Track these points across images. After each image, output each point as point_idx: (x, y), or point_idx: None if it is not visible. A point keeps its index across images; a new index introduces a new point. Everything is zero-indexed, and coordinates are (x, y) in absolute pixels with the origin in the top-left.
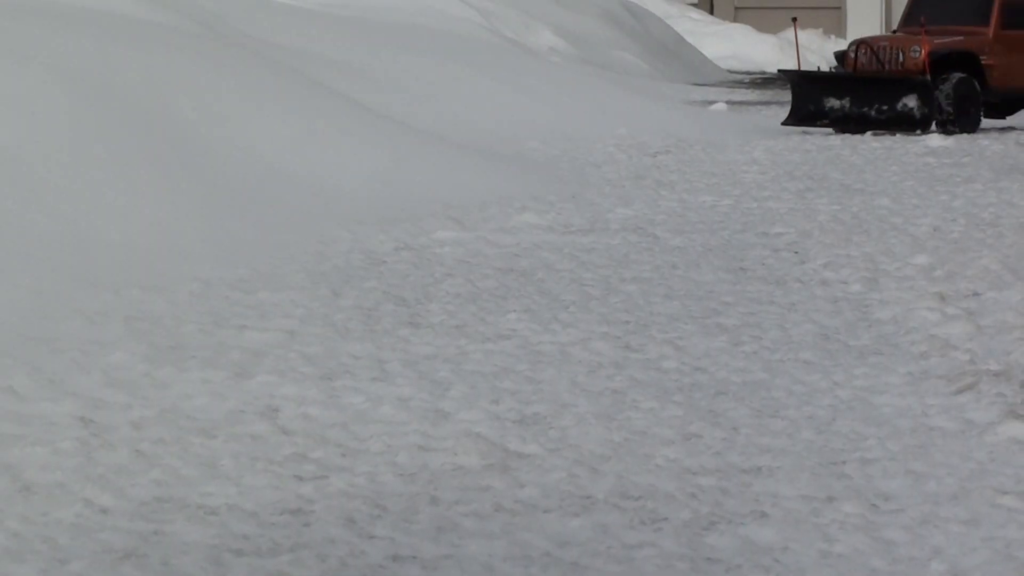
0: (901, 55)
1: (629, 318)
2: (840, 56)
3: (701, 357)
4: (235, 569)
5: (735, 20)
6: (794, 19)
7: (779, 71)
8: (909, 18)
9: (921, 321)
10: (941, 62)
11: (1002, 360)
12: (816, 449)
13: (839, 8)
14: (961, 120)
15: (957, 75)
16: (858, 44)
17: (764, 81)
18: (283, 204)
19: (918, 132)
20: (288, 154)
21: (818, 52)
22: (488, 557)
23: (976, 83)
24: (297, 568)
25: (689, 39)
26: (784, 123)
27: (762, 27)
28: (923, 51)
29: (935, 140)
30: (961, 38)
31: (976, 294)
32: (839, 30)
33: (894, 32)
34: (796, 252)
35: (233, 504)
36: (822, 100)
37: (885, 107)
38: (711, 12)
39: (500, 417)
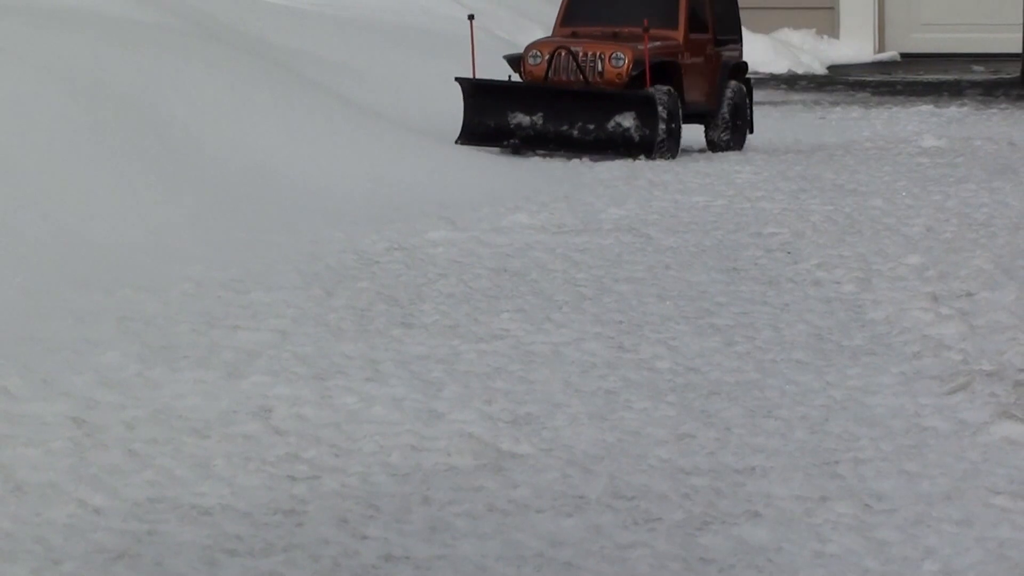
0: (599, 63)
1: (622, 318)
2: (514, 60)
3: (694, 357)
4: (228, 569)
5: None
6: (470, 17)
7: (456, 79)
8: (569, 16)
9: (914, 321)
10: (642, 74)
11: (995, 360)
12: (809, 449)
13: (832, 8)
14: (671, 144)
15: (662, 88)
16: (542, 47)
17: (757, 81)
18: (275, 204)
19: (640, 158)
20: (280, 154)
21: (811, 52)
22: (481, 557)
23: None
24: (290, 568)
25: None
26: (458, 142)
27: (755, 27)
28: (627, 59)
29: (928, 141)
30: (659, 44)
31: (969, 294)
32: (832, 30)
33: (536, 40)
34: (789, 252)
35: (226, 504)
36: (506, 115)
37: (592, 126)
38: None
39: (493, 417)
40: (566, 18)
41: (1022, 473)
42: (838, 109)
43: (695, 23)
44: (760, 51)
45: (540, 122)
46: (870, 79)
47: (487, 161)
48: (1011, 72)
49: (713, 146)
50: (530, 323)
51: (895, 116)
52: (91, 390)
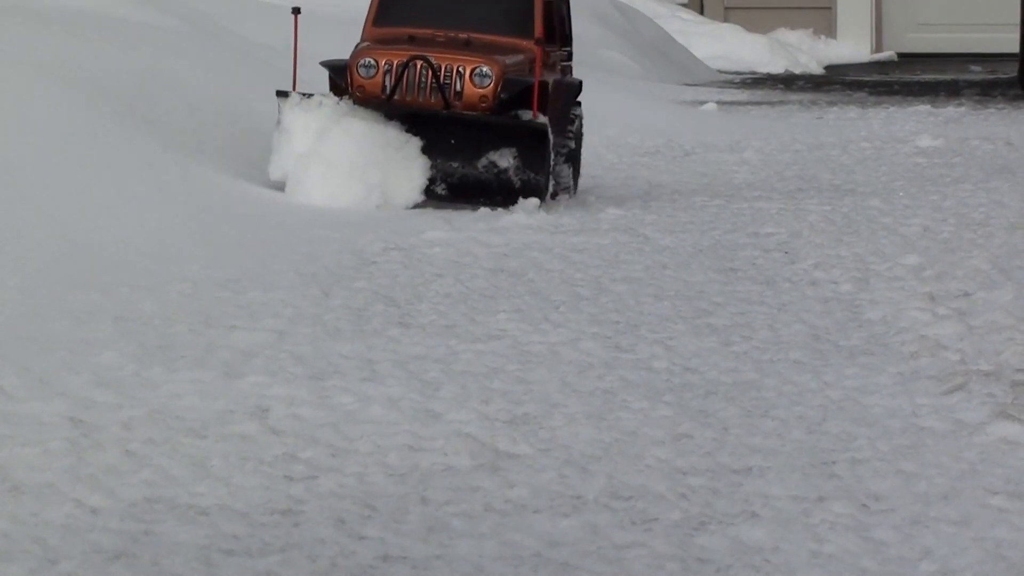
0: (459, 80)
1: (619, 318)
2: (338, 70)
3: (691, 357)
4: (225, 569)
5: (725, 20)
6: (295, 10)
7: (277, 92)
8: (382, 15)
9: (911, 321)
10: (514, 98)
11: (992, 360)
12: (806, 449)
13: (829, 8)
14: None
15: (526, 113)
16: (379, 54)
17: (754, 81)
18: (273, 204)
19: (517, 208)
20: None
21: (808, 52)
22: (478, 557)
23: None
24: (287, 568)
25: (679, 39)
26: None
27: (752, 27)
28: (494, 76)
29: (925, 141)
30: (521, 57)
31: (966, 294)
32: (829, 30)
33: (363, 44)
34: (786, 252)
35: (223, 504)
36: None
37: (455, 164)
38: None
39: (490, 417)
40: (381, 16)
41: (1019, 473)
42: (835, 109)
43: (548, 30)
44: (757, 51)
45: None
46: (867, 79)
47: None
48: (1008, 72)
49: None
50: (527, 323)
51: (892, 116)
52: (88, 390)
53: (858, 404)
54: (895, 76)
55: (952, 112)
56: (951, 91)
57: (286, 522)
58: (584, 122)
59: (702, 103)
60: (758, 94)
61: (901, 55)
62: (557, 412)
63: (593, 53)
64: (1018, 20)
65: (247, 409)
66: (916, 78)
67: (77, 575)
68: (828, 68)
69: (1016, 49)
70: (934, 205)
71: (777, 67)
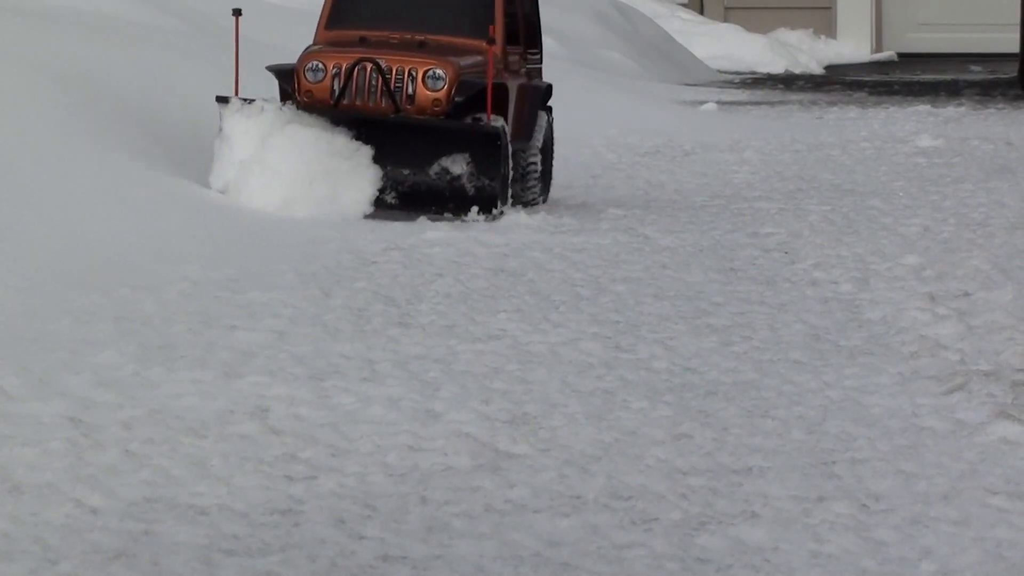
0: (411, 83)
1: (619, 318)
2: (284, 74)
3: (691, 357)
4: (225, 569)
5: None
6: (236, 11)
7: (217, 98)
8: (336, 17)
9: (911, 321)
10: (469, 101)
11: (992, 360)
12: (806, 449)
13: (829, 8)
14: (504, 197)
15: (500, 120)
16: (327, 57)
17: (754, 81)
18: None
19: (482, 216)
20: None
21: (808, 52)
22: (478, 557)
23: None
24: (287, 568)
25: (679, 39)
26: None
27: (752, 27)
28: (447, 78)
29: (925, 140)
30: (478, 58)
31: (966, 294)
32: (829, 30)
33: (314, 47)
34: (786, 252)
35: (223, 504)
36: None
37: (406, 171)
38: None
39: (490, 417)
40: (334, 18)
41: (1019, 473)
42: (835, 109)
43: (510, 31)
44: (757, 51)
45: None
46: (867, 79)
47: None
48: (1008, 72)
49: (515, 197)
50: (527, 323)
51: (892, 116)
52: (88, 390)
53: (858, 404)
54: (895, 76)
55: (952, 112)
56: (951, 91)
57: (286, 522)
58: (555, 128)
59: (702, 103)
60: (758, 94)
61: (901, 55)
62: (557, 412)
63: (593, 53)
64: (1018, 20)
65: (247, 409)
66: (916, 78)
67: (77, 575)
68: (828, 68)
69: (1016, 49)
70: (934, 205)
71: (777, 67)
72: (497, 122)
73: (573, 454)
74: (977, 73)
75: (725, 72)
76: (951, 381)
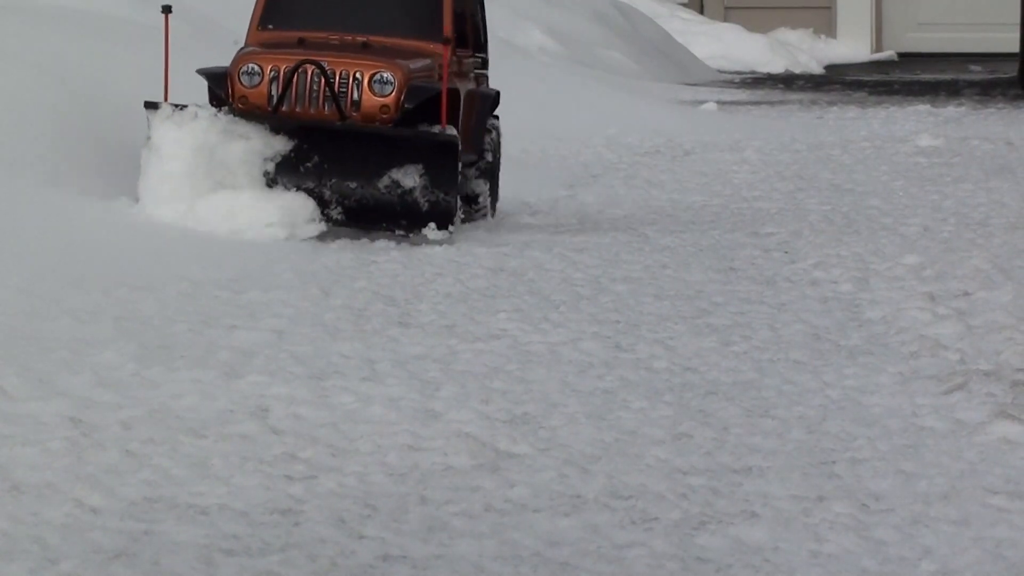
0: (356, 88)
1: (619, 318)
2: (217, 78)
3: (691, 357)
4: (225, 569)
5: (725, 20)
6: (166, 8)
7: (145, 103)
8: (269, 16)
9: (911, 321)
10: (420, 107)
11: (992, 360)
12: (806, 449)
13: (829, 8)
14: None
15: (451, 130)
16: (264, 59)
17: (754, 81)
18: None
19: (430, 230)
20: None
21: (808, 52)
22: (478, 557)
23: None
24: (287, 568)
25: (679, 39)
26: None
27: (752, 27)
28: (396, 82)
29: (924, 140)
30: (428, 62)
31: (966, 294)
32: (829, 30)
33: (247, 48)
34: (786, 252)
35: (223, 504)
36: None
37: (353, 184)
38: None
39: (490, 417)
40: (267, 16)
41: (1019, 473)
42: (835, 109)
43: (459, 32)
44: (757, 51)
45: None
46: (867, 79)
47: None
48: (1008, 72)
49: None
50: (527, 323)
51: (892, 116)
52: (88, 390)
53: (858, 404)
54: (895, 76)
55: (952, 112)
56: (951, 91)
57: (286, 521)
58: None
59: (702, 103)
60: (758, 94)
61: (901, 55)
62: (557, 412)
63: (593, 53)
64: (1018, 20)
65: (247, 409)
66: (916, 78)
67: (77, 575)
68: (828, 68)
69: (1016, 49)
70: (934, 205)
71: (777, 67)
72: (451, 131)
73: (573, 454)
74: (977, 73)
75: (725, 72)
76: (951, 381)
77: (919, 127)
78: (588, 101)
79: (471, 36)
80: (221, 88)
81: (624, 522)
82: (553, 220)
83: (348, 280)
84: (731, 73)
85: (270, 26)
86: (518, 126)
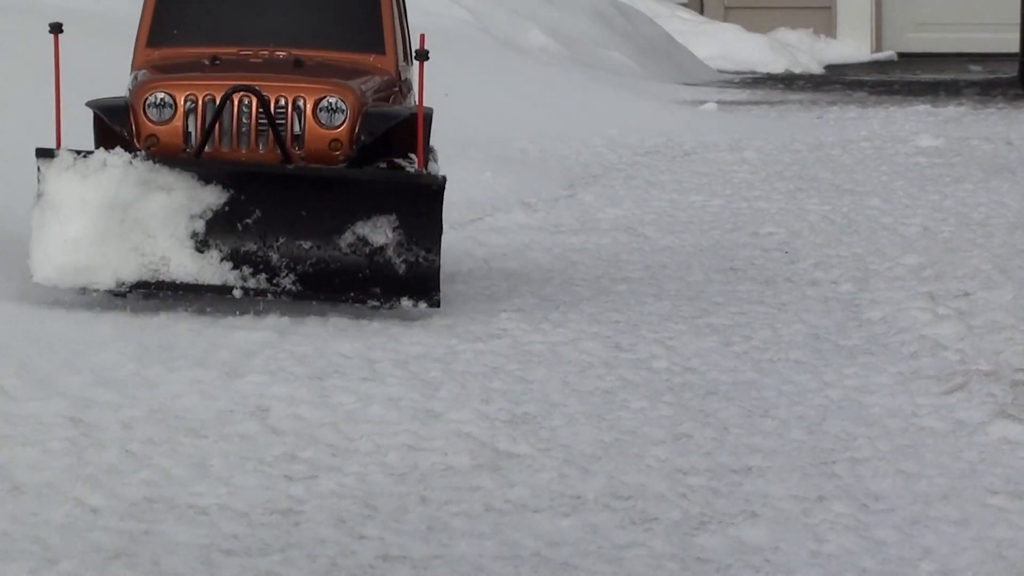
0: (298, 119)
1: (619, 318)
2: (113, 112)
3: (691, 357)
4: (225, 569)
5: (725, 20)
6: (55, 28)
7: (37, 151)
8: (159, 31)
9: (911, 321)
10: (380, 141)
11: (992, 360)
12: (806, 449)
13: (829, 8)
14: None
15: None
16: (176, 87)
17: (754, 81)
18: None
19: (409, 304)
20: None
21: (808, 52)
22: (478, 557)
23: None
24: (287, 568)
25: (679, 39)
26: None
27: (752, 27)
28: (349, 109)
29: (924, 140)
30: (377, 80)
31: (966, 294)
32: (829, 30)
33: (148, 74)
34: (786, 252)
35: (223, 504)
36: None
37: (307, 243)
38: (701, 12)
39: (490, 417)
40: (158, 31)
41: (1019, 473)
42: (835, 109)
43: (403, 43)
44: (757, 51)
45: (201, 234)
46: (867, 79)
47: (483, 161)
48: (1008, 72)
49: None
50: (527, 323)
51: (892, 116)
52: (88, 390)
53: (858, 404)
54: (895, 76)
55: (952, 112)
56: (951, 91)
57: (286, 522)
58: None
59: (702, 103)
60: (758, 94)
61: (901, 55)
62: (557, 412)
63: (593, 53)
64: (1018, 20)
65: (247, 409)
66: (916, 78)
67: (77, 575)
68: (828, 68)
69: (1016, 49)
70: (934, 205)
71: (777, 67)
72: (434, 169)
73: (573, 454)
74: (977, 73)
75: (725, 72)
76: (951, 381)
77: (919, 127)
78: (588, 101)
79: (404, 45)
80: (122, 124)
81: (624, 522)
82: (553, 220)
83: None
84: (731, 73)
85: (162, 43)
86: (518, 126)
